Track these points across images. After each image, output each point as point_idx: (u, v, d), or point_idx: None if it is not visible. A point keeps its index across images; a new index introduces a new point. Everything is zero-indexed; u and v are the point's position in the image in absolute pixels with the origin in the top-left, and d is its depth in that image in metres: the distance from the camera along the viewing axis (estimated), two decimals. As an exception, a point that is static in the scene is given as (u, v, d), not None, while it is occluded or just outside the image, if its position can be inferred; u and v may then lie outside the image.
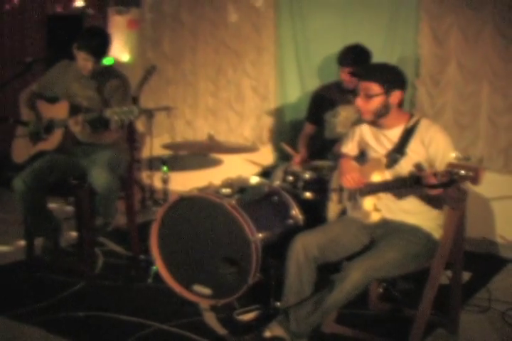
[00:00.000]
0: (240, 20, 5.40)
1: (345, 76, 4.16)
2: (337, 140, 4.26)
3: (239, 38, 5.43)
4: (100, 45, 3.83)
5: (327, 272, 3.06)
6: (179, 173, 5.48)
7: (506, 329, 3.35)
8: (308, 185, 3.88)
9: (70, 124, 3.71)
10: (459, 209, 2.98)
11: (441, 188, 2.61)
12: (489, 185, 4.36)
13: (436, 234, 3.04)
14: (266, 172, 4.74)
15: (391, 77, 2.96)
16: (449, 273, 3.32)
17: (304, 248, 2.98)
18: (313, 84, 5.02)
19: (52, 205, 4.08)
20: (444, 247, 2.97)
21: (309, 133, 4.54)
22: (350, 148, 3.34)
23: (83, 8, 6.07)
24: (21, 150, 4.04)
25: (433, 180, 2.54)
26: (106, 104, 3.90)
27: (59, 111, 3.88)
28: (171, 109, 5.60)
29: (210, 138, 3.99)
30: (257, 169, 5.14)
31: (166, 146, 4.15)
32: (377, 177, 3.01)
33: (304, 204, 3.73)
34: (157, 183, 5.81)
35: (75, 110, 3.83)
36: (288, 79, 5.27)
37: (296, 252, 2.99)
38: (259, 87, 5.39)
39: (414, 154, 2.93)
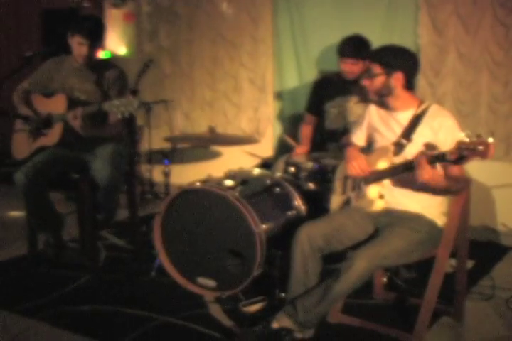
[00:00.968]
0: (236, 11, 5.38)
1: (345, 67, 4.15)
2: (338, 130, 4.29)
3: (235, 29, 5.42)
4: (93, 27, 3.81)
5: (331, 261, 3.08)
6: (178, 166, 5.47)
7: (511, 317, 3.36)
8: (310, 176, 3.87)
9: (69, 118, 3.70)
10: (460, 195, 2.99)
11: (450, 165, 2.67)
12: (490, 173, 4.42)
13: (440, 221, 3.05)
14: (265, 164, 4.74)
15: (392, 59, 3.00)
16: (452, 261, 3.33)
17: (309, 238, 2.99)
18: (312, 74, 5.03)
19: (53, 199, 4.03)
20: (448, 235, 2.99)
21: (309, 123, 4.53)
22: (359, 137, 3.36)
23: (79, 1, 6.03)
24: (22, 146, 4.02)
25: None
26: (105, 96, 3.88)
27: (56, 105, 3.86)
28: (169, 101, 5.62)
29: (211, 130, 3.98)
30: (257, 161, 5.13)
31: (167, 139, 4.14)
32: (383, 165, 3.02)
33: (306, 195, 3.73)
34: (156, 176, 5.81)
35: (72, 103, 3.81)
36: (286, 70, 5.26)
37: (301, 242, 3.00)
38: (257, 79, 5.38)
39: (422, 139, 2.93)
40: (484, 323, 3.31)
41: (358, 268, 2.78)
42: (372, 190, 3.06)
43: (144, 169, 5.83)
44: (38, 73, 4.04)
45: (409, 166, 2.86)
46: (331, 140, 4.36)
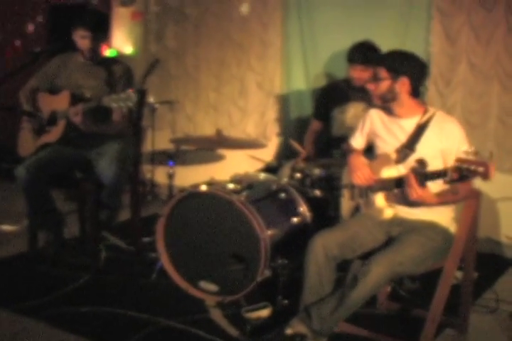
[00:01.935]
0: (245, 13, 5.33)
1: (354, 73, 4.12)
2: (344, 137, 4.25)
3: (244, 32, 5.37)
4: (95, 20, 3.81)
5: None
6: (180, 168, 5.42)
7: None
8: (316, 183, 3.84)
9: (70, 115, 3.67)
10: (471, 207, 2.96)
11: (453, 183, 2.63)
12: (495, 185, 4.35)
13: (452, 228, 3.04)
14: (269, 169, 4.69)
15: (399, 64, 2.97)
16: (457, 273, 3.30)
17: (324, 248, 2.95)
18: (320, 80, 4.99)
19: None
20: (457, 247, 2.95)
21: (316, 130, 4.50)
22: (358, 141, 3.35)
23: (87, -2, 6.00)
24: (27, 143, 4.00)
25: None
26: (111, 92, 3.85)
27: (61, 101, 3.84)
28: (173, 102, 5.58)
29: (219, 133, 3.94)
30: (260, 165, 5.09)
31: (173, 141, 4.10)
32: (388, 173, 2.99)
33: (312, 202, 3.69)
34: (158, 178, 5.77)
35: (77, 100, 3.79)
36: (294, 75, 5.21)
37: (316, 252, 2.96)
38: (264, 82, 5.33)
39: (427, 149, 2.92)
40: (489, 336, 3.28)
41: (375, 274, 2.75)
42: (380, 199, 3.04)
43: (145, 170, 5.80)
44: (44, 70, 4.02)
45: (398, 183, 2.87)
46: (336, 146, 4.32)
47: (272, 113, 5.35)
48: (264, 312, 3.32)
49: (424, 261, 2.90)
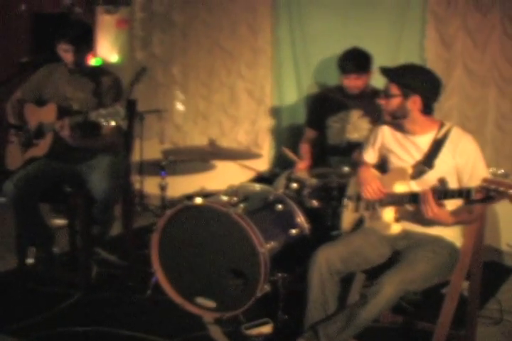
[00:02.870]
0: (235, 20, 5.23)
1: (349, 82, 4.03)
2: (339, 145, 4.18)
3: (234, 39, 5.26)
4: (78, 33, 3.69)
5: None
6: (170, 178, 5.31)
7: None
8: (314, 193, 3.75)
9: (57, 129, 3.55)
10: (478, 221, 2.87)
11: (474, 204, 2.56)
12: (494, 192, 4.30)
13: (458, 243, 2.96)
14: (262, 178, 4.60)
15: (412, 81, 2.87)
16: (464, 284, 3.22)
17: (327, 262, 2.87)
18: (312, 86, 4.91)
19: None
20: (463, 261, 2.87)
21: (310, 138, 4.39)
22: (371, 156, 3.25)
23: (70, 6, 5.87)
24: (14, 157, 3.87)
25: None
26: (100, 105, 3.73)
27: (47, 114, 3.72)
28: (162, 111, 5.47)
29: (212, 143, 3.84)
30: (251, 174, 5.00)
31: (166, 152, 4.00)
32: (400, 188, 2.91)
33: (309, 213, 3.60)
34: (147, 188, 5.65)
35: (64, 113, 3.66)
36: (285, 82, 5.12)
37: (319, 266, 2.88)
38: (255, 90, 5.23)
39: (443, 165, 2.85)
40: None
41: (387, 293, 2.68)
42: (388, 213, 2.96)
43: (134, 180, 5.67)
44: (31, 81, 3.90)
45: (413, 199, 2.80)
46: (332, 154, 4.25)
47: (263, 121, 5.25)
48: (266, 329, 3.23)
49: (433, 276, 2.83)
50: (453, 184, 2.82)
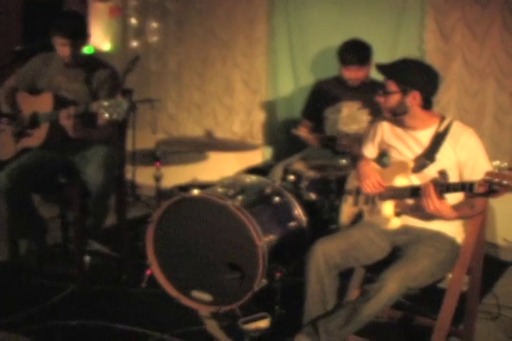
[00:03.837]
0: (230, 9, 5.16)
1: (350, 74, 4.00)
2: (337, 137, 4.13)
3: (229, 28, 5.20)
4: (74, 26, 3.59)
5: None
6: (162, 168, 5.27)
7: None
8: (311, 186, 3.71)
9: (61, 118, 3.46)
10: (480, 216, 2.86)
11: (476, 197, 2.54)
12: (491, 186, 4.27)
13: (459, 238, 2.92)
14: (255, 169, 4.56)
15: (410, 77, 2.82)
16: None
17: (325, 255, 2.82)
18: (308, 77, 4.85)
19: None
20: (465, 256, 2.85)
21: (305, 129, 4.35)
22: (371, 151, 3.21)
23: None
24: (6, 146, 3.79)
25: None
26: (93, 97, 3.66)
27: (42, 103, 3.64)
28: (155, 101, 5.40)
29: (209, 135, 3.78)
30: (244, 165, 4.95)
31: (161, 143, 3.94)
32: (401, 181, 2.87)
33: (306, 206, 3.56)
34: (139, 178, 5.58)
35: (59, 103, 3.59)
36: (281, 73, 5.06)
37: (316, 260, 2.83)
38: (251, 80, 5.18)
39: (444, 159, 2.81)
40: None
41: (390, 290, 2.63)
42: (388, 207, 2.92)
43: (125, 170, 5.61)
44: (25, 69, 3.82)
45: (414, 192, 2.75)
46: (329, 146, 4.20)
47: (258, 111, 5.20)
48: (263, 323, 3.17)
49: (435, 272, 2.79)
50: (454, 178, 2.78)
